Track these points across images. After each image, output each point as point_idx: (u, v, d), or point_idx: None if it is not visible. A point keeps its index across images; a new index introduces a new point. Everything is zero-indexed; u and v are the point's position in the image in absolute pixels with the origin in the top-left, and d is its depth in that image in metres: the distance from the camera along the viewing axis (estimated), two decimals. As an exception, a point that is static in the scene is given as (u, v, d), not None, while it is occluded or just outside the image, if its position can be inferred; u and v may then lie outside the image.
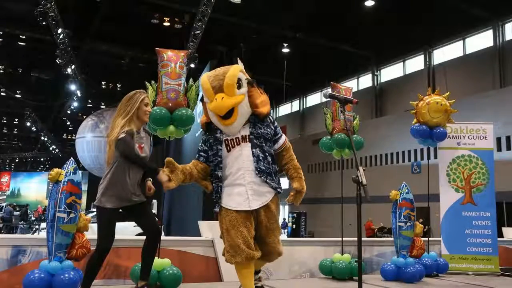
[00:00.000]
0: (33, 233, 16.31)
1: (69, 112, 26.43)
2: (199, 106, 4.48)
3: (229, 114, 2.99)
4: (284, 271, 5.20)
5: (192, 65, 16.65)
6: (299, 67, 23.69)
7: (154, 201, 16.09)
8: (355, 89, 20.77)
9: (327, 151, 5.40)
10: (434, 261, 5.50)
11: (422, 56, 21.80)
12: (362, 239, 3.22)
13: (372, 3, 16.96)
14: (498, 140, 16.00)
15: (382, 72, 24.28)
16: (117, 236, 3.17)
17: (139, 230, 3.45)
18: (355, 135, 5.27)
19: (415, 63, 22.28)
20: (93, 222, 3.34)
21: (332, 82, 5.40)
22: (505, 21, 18.35)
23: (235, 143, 3.08)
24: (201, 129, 3.34)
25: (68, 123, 31.54)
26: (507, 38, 18.34)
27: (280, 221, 7.21)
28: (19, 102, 27.48)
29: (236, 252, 2.94)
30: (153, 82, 4.33)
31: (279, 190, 3.14)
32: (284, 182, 3.30)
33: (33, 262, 3.89)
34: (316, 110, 26.76)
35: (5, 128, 37.92)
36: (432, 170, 5.84)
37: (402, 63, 23.12)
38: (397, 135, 19.63)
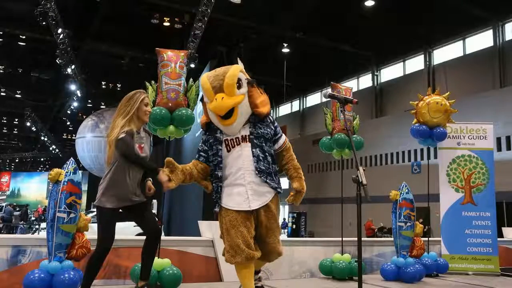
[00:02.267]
0: (33, 233, 16.29)
1: (69, 112, 26.41)
2: (199, 106, 4.48)
3: (229, 114, 2.99)
4: (284, 271, 5.20)
5: (192, 65, 16.64)
6: (299, 67, 23.68)
7: (154, 201, 16.07)
8: (355, 89, 20.77)
9: (327, 151, 5.40)
10: (434, 261, 5.50)
11: (422, 56, 21.80)
12: (362, 239, 3.22)
13: (372, 3, 16.96)
14: (498, 140, 16.01)
15: (382, 72, 24.28)
16: (117, 236, 3.17)
17: (139, 230, 3.45)
18: (355, 135, 5.27)
19: (415, 63, 22.27)
20: (93, 222, 3.35)
21: (332, 82, 5.40)
22: (505, 21, 18.35)
23: (235, 143, 3.08)
24: (201, 129, 3.33)
25: (68, 123, 31.54)
26: (507, 38, 18.34)
27: (280, 221, 7.20)
28: (19, 102, 27.48)
29: (236, 252, 2.94)
30: (153, 82, 4.33)
31: (279, 190, 3.13)
32: (284, 182, 3.30)
33: (33, 262, 3.88)
34: (316, 110, 26.76)
35: (5, 128, 37.93)
36: (432, 170, 5.84)
37: (402, 63, 23.12)
38: (397, 135, 19.63)
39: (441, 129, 5.77)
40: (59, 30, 16.07)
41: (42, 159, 44.99)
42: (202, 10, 14.94)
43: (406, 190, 5.13)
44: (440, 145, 6.09)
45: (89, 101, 27.13)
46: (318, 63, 22.74)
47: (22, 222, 21.43)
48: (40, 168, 46.71)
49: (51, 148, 37.50)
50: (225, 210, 3.05)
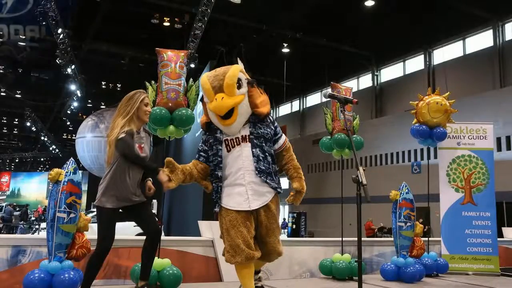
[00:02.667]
0: (33, 233, 16.28)
1: (69, 112, 26.41)
2: (199, 106, 4.48)
3: (229, 114, 2.99)
4: (284, 271, 5.20)
5: (192, 65, 16.64)
6: (299, 67, 23.68)
7: (154, 201, 16.08)
8: (355, 89, 20.79)
9: (327, 151, 5.39)
10: (434, 261, 5.50)
11: (422, 56, 21.80)
12: (362, 239, 3.22)
13: (372, 3, 16.97)
14: (498, 140, 16.01)
15: (382, 72, 24.28)
16: (117, 236, 3.17)
17: (139, 230, 3.45)
18: (355, 135, 5.27)
19: (415, 63, 22.28)
20: (93, 222, 3.34)
21: (332, 82, 5.40)
22: (505, 21, 18.35)
23: (235, 143, 3.08)
24: (201, 129, 3.33)
25: (68, 123, 31.54)
26: (507, 38, 18.34)
27: (280, 221, 7.20)
28: (19, 102, 27.48)
29: (236, 252, 2.94)
30: (153, 82, 4.33)
31: (279, 190, 3.13)
32: (284, 182, 3.30)
33: (33, 262, 3.88)
34: (316, 110, 26.76)
35: (5, 128, 37.93)
36: (432, 170, 5.84)
37: (402, 63, 23.12)
38: (397, 135, 19.63)
39: (441, 129, 5.77)
40: (59, 30, 16.08)
41: (42, 159, 44.97)
42: (202, 10, 14.94)
43: (406, 190, 5.13)
44: (440, 145, 6.09)
45: (89, 101, 27.14)
46: (318, 63, 22.74)
47: (22, 222, 21.43)
48: (40, 168, 46.71)
49: (51, 148, 37.49)
50: (225, 210, 3.05)
